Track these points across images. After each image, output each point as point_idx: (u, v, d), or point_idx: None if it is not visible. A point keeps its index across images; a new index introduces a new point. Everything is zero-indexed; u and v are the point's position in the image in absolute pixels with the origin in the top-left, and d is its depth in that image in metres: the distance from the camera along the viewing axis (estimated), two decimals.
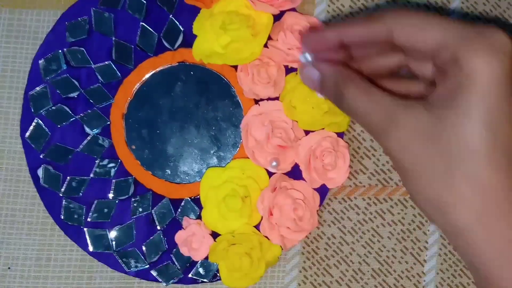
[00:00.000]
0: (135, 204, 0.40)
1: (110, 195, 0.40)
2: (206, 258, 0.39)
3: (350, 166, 0.41)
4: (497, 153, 0.28)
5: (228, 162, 0.40)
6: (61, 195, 0.40)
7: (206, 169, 0.40)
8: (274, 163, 0.39)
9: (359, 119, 0.32)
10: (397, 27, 0.31)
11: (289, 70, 0.40)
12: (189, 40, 0.40)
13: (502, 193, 0.28)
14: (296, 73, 0.40)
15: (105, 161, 0.40)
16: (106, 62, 0.40)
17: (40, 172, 0.40)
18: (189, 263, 0.40)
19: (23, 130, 0.40)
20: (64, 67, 0.40)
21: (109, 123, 0.40)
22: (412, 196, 0.31)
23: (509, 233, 0.28)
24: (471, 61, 0.28)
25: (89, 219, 0.40)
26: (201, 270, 0.40)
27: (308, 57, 0.36)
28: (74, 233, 0.40)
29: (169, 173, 0.40)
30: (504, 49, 0.28)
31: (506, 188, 0.28)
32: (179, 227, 0.40)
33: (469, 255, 0.29)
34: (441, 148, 0.29)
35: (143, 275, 0.40)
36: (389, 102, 0.31)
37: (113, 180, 0.40)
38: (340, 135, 0.40)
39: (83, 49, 0.40)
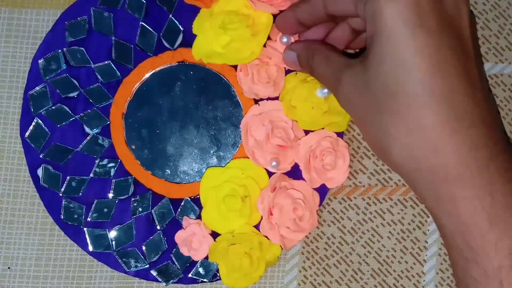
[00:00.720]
0: (135, 204, 0.40)
1: (110, 195, 0.40)
2: (206, 258, 0.39)
3: (350, 166, 0.41)
4: (416, 90, 0.27)
5: (228, 162, 0.40)
6: (61, 195, 0.40)
7: (206, 169, 0.40)
8: (274, 163, 0.39)
9: (322, 82, 0.35)
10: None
11: (288, 70, 0.40)
12: (188, 40, 0.40)
13: (433, 130, 0.28)
14: (296, 73, 0.40)
15: (105, 161, 0.40)
16: (106, 62, 0.40)
17: (40, 172, 0.40)
18: (189, 263, 0.40)
19: (23, 129, 0.40)
20: (64, 66, 0.40)
21: (108, 122, 0.40)
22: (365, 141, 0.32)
23: (442, 166, 0.28)
24: (373, 6, 0.28)
25: (89, 219, 0.40)
26: (201, 270, 0.40)
27: (286, 39, 0.38)
28: (74, 233, 0.40)
29: (169, 173, 0.40)
30: None
31: (436, 125, 0.27)
32: (179, 227, 0.40)
33: (413, 190, 0.31)
34: (370, 97, 0.29)
35: (143, 275, 0.40)
36: (339, 62, 0.32)
37: (113, 180, 0.40)
38: (340, 135, 0.40)
39: (82, 48, 0.40)
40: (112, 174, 0.40)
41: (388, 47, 0.28)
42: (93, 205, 0.40)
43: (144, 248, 0.40)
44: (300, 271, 0.41)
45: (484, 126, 0.28)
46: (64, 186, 0.40)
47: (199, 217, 0.40)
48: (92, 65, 0.40)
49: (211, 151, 0.40)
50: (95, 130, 0.40)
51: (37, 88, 0.40)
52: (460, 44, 0.29)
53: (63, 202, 0.40)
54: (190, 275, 0.40)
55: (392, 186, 0.41)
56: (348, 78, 0.31)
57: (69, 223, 0.39)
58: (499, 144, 0.28)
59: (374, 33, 0.29)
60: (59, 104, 0.40)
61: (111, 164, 0.40)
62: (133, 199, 0.40)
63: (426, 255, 0.41)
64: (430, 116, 0.27)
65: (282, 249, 0.40)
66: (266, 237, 0.39)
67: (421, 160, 0.28)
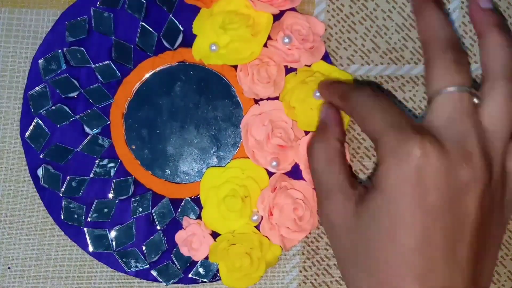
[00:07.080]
0: (135, 204, 0.40)
1: (110, 195, 0.40)
2: (206, 258, 0.39)
3: (350, 166, 0.41)
4: (396, 261, 0.28)
5: (228, 162, 0.40)
6: (61, 195, 0.40)
7: (206, 169, 0.40)
8: (274, 163, 0.39)
9: (314, 179, 0.36)
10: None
11: (289, 70, 0.40)
12: (189, 40, 0.40)
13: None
14: (296, 73, 0.40)
15: (105, 161, 0.40)
16: (106, 62, 0.40)
17: (40, 172, 0.40)
18: (189, 263, 0.40)
19: (23, 130, 0.40)
20: (64, 66, 0.40)
21: (109, 123, 0.40)
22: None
23: None
24: (381, 167, 0.31)
25: (89, 219, 0.40)
26: (201, 270, 0.40)
27: (287, 40, 0.39)
28: (74, 233, 0.40)
29: (169, 173, 0.40)
30: (410, 159, 0.29)
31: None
32: (179, 227, 0.40)
33: None
34: (356, 239, 0.31)
35: (143, 275, 0.40)
36: (336, 178, 0.34)
37: (113, 180, 0.40)
38: None
39: (82, 48, 0.40)
40: (112, 174, 0.40)
41: (384, 212, 0.29)
42: (93, 205, 0.40)
43: (144, 248, 0.40)
44: (301, 271, 0.41)
45: None
46: (64, 186, 0.40)
47: (199, 217, 0.40)
48: (92, 65, 0.40)
49: (211, 151, 0.40)
50: (95, 130, 0.40)
51: (37, 88, 0.40)
52: (456, 225, 0.29)
53: (63, 202, 0.40)
54: (190, 275, 0.40)
55: None
56: (334, 202, 0.33)
57: (69, 223, 0.39)
58: None
59: (373, 187, 0.31)
60: (59, 104, 0.40)
61: (111, 164, 0.40)
62: (133, 199, 0.40)
63: None
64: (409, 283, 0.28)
65: (282, 249, 0.40)
66: (266, 237, 0.39)
67: None
